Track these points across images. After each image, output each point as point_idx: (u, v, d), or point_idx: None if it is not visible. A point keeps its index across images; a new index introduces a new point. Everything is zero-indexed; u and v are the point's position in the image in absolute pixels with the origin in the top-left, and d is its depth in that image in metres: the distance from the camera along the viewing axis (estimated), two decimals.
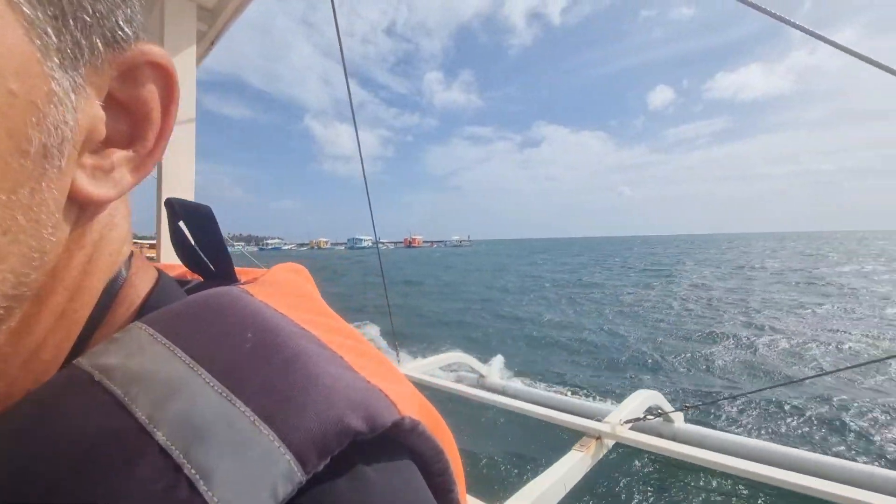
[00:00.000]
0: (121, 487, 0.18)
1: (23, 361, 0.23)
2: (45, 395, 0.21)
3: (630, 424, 2.53)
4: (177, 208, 0.35)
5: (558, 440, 4.05)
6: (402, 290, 18.81)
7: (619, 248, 69.63)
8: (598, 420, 2.56)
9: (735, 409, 4.83)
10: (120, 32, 0.22)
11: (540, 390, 5.04)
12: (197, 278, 0.39)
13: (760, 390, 5.09)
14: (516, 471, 3.63)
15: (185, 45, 1.71)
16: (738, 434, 4.16)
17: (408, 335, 9.11)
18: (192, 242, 0.37)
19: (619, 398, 5.12)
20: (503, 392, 5.07)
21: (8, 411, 0.21)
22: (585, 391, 5.55)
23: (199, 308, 0.26)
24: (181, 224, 0.36)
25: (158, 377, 0.21)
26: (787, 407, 4.86)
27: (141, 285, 0.29)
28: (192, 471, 0.19)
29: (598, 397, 5.30)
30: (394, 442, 0.25)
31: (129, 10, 0.23)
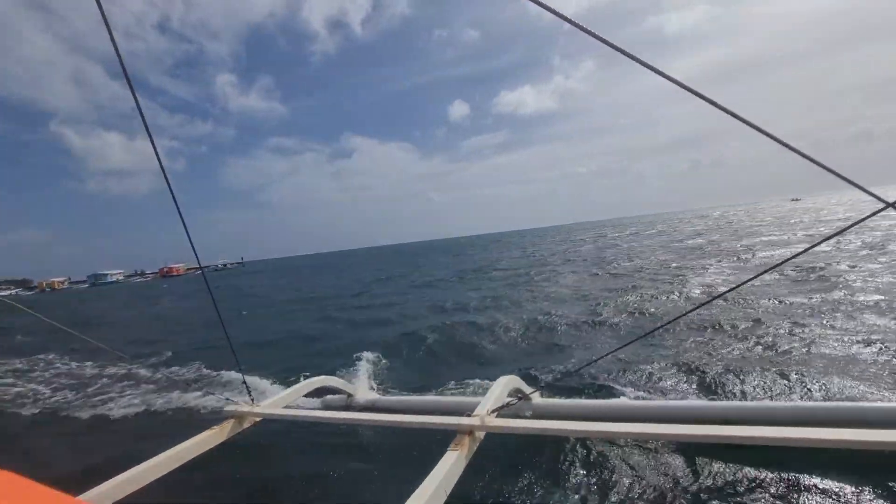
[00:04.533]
0: None
1: None
2: None
3: (496, 413, 2.66)
4: None
5: (434, 443, 4.06)
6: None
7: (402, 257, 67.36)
8: (468, 415, 2.62)
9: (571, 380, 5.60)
10: None
11: (411, 397, 5.01)
12: None
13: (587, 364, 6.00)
14: (396, 488, 3.50)
15: None
16: (585, 398, 4.82)
17: None
18: None
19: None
20: (373, 408, 4.90)
21: None
22: (455, 388, 5.73)
23: None
24: None
25: None
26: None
27: None
28: None
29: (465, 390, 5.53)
30: None
31: None
